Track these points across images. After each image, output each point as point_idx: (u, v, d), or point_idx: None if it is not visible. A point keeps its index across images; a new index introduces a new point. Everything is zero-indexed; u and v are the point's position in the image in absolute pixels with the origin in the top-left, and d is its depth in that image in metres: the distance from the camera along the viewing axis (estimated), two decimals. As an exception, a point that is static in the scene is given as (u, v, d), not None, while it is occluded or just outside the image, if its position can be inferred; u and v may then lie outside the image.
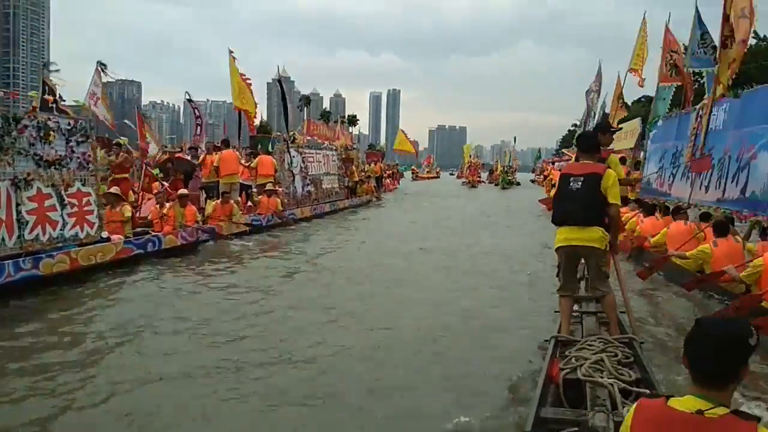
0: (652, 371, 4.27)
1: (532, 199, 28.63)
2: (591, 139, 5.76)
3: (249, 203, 16.16)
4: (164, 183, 14.55)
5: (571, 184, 5.23)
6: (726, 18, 9.53)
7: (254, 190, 16.81)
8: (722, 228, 8.27)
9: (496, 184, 53.78)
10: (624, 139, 20.13)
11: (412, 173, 77.90)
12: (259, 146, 19.54)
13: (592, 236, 5.14)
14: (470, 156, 64.82)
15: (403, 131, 44.13)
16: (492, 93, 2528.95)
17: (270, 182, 16.70)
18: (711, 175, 10.55)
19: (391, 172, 46.43)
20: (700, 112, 11.29)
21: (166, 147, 22.85)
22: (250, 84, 18.44)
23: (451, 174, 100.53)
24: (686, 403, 2.00)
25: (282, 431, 4.52)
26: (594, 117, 27.09)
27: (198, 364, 5.50)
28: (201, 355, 5.82)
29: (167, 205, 12.70)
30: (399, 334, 6.73)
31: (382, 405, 4.84)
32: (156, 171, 15.27)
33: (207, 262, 10.97)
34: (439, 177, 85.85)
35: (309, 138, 20.71)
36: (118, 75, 17.63)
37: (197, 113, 22.14)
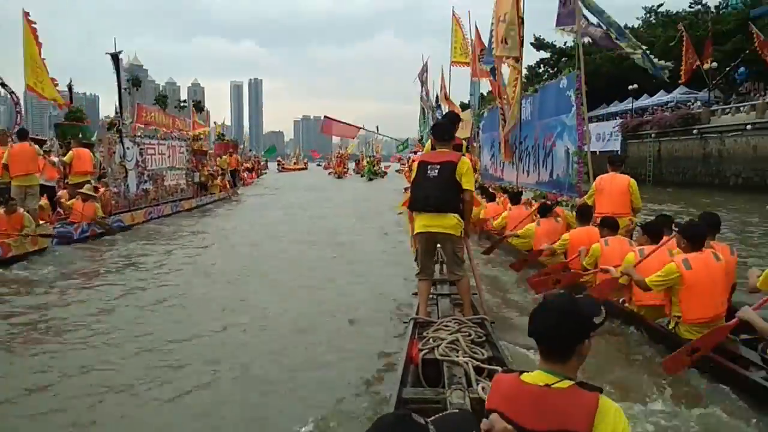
0: (503, 349, 4.43)
1: (398, 190, 26.16)
2: (446, 128, 5.83)
3: (59, 209, 12.48)
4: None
5: (428, 172, 5.37)
6: (521, 21, 11.32)
7: (61, 192, 13.12)
8: (544, 209, 9.50)
9: (361, 175, 51.78)
10: (462, 129, 20.66)
11: (278, 164, 76.64)
12: (70, 137, 15.32)
13: (449, 223, 5.37)
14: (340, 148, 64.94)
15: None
16: (355, 83, 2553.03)
17: (88, 181, 13.13)
18: (528, 161, 12.16)
19: (250, 164, 42.90)
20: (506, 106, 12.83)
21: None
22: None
23: (319, 165, 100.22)
24: (536, 377, 2.15)
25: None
26: (434, 110, 28.01)
27: None
28: None
29: None
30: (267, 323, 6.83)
31: (247, 393, 4.81)
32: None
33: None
34: (306, 168, 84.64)
35: (140, 126, 17.05)
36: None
37: (15, 99, 18.35)
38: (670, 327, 5.36)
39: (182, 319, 7.04)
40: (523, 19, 11.70)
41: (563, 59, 61.05)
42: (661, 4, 58.61)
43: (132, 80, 20.87)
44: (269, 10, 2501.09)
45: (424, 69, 29.42)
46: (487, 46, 14.75)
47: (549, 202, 9.95)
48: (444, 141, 5.64)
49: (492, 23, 11.94)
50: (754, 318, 4.40)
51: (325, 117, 10.37)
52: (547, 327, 2.14)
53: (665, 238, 5.97)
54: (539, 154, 11.43)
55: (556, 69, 63.62)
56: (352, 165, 67.40)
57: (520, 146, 12.73)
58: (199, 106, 23.61)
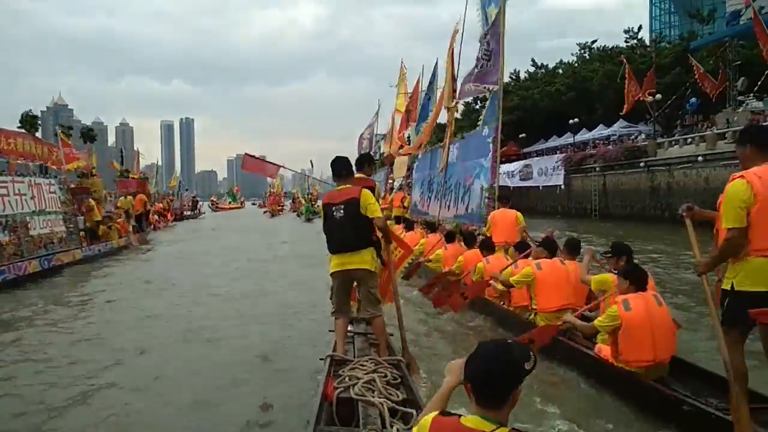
0: (418, 391, 4.31)
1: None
2: (345, 163, 5.69)
3: None
4: None
5: (335, 213, 5.37)
6: (454, 77, 14.03)
7: None
8: (450, 236, 10.66)
9: (298, 215, 47.58)
10: (398, 169, 22.80)
11: (211, 203, 75.27)
12: None
13: (363, 259, 5.38)
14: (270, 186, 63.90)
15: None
16: (289, 122, 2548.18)
17: None
18: (450, 197, 13.81)
19: (163, 205, 37.59)
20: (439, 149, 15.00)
21: None
22: None
23: (253, 204, 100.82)
24: (475, 422, 2.10)
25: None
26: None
27: None
28: None
29: None
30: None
31: None
32: None
33: None
34: (243, 207, 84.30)
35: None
36: None
37: None
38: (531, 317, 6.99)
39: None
40: (455, 75, 14.07)
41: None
42: (595, 40, 58.01)
43: None
44: (200, 51, 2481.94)
45: (376, 115, 31.22)
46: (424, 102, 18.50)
47: (454, 231, 11.34)
48: (341, 177, 5.60)
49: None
50: (573, 321, 5.84)
51: (245, 154, 9.49)
52: (482, 375, 2.12)
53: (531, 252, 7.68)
54: (460, 191, 13.19)
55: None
56: (288, 202, 66.43)
57: (445, 184, 14.39)
58: (89, 135, 18.13)
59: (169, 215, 37.46)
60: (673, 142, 32.93)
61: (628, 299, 5.04)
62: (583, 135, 47.09)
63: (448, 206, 13.81)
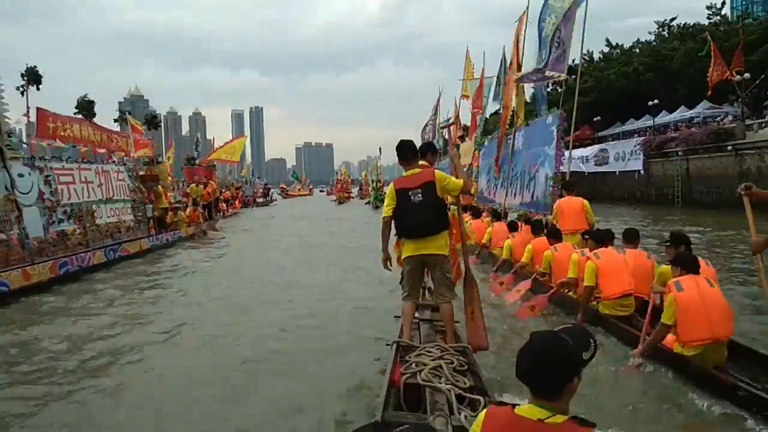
0: (485, 378, 4.25)
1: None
2: (411, 146, 5.61)
3: None
4: None
5: (412, 197, 5.28)
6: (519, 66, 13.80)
7: None
8: (512, 225, 10.85)
9: (367, 202, 46.92)
10: (464, 155, 22.01)
11: (281, 190, 75.55)
12: None
13: (439, 244, 5.36)
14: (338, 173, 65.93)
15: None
16: (356, 110, 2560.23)
17: None
18: (517, 185, 13.74)
19: (230, 193, 37.26)
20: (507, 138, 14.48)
21: None
22: None
23: (321, 191, 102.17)
24: (529, 411, 2.05)
25: None
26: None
27: None
28: None
29: None
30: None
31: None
32: None
33: None
34: (311, 194, 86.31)
35: (45, 142, 12.28)
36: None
37: None
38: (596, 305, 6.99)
39: None
40: (520, 63, 13.63)
41: (571, 77, 57.25)
42: (674, 18, 54.69)
43: (29, 74, 15.04)
44: (268, 41, 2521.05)
45: (437, 102, 30.21)
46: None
47: (519, 221, 11.23)
48: (408, 161, 5.52)
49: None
50: (642, 351, 5.56)
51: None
52: (532, 371, 2.04)
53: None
54: (525, 179, 13.04)
55: (564, 87, 60.54)
56: (356, 190, 66.83)
57: (511, 172, 14.17)
58: (153, 121, 17.43)
59: (236, 203, 37.12)
60: (764, 124, 30.71)
61: (679, 281, 5.23)
62: (663, 117, 44.38)
63: (515, 194, 13.82)
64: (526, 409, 2.07)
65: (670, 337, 5.37)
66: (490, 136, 17.67)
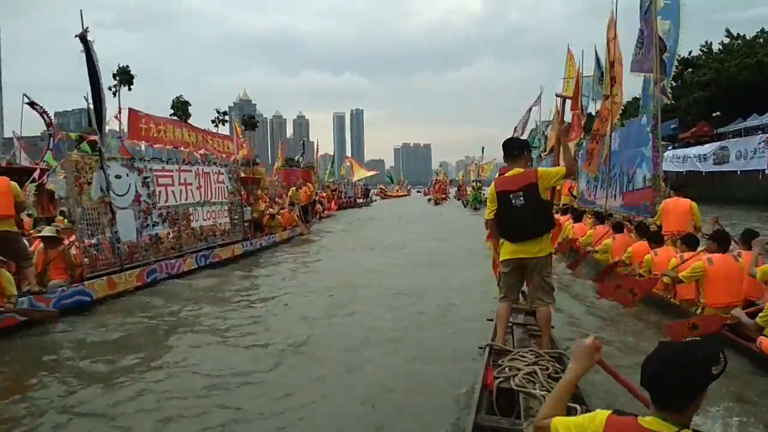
0: (581, 387, 3.82)
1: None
2: (520, 144, 5.53)
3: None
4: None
5: (513, 200, 5.14)
6: (611, 64, 12.60)
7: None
8: (617, 226, 10.63)
9: (463, 203, 45.45)
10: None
11: (380, 192, 75.92)
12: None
13: (541, 247, 5.22)
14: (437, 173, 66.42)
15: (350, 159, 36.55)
16: (455, 109, 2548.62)
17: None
18: (616, 186, 13.57)
19: (327, 193, 36.69)
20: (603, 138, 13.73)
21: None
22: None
23: (418, 191, 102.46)
24: (654, 423, 1.99)
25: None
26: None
27: None
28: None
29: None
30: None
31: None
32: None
33: None
34: (409, 194, 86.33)
35: (142, 143, 11.98)
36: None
37: (47, 120, 17.69)
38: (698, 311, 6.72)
39: None
40: (612, 62, 12.65)
41: (688, 70, 53.51)
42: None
43: (121, 75, 14.87)
44: (369, 43, 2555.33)
45: (538, 100, 28.53)
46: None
47: (626, 222, 11.53)
48: (514, 157, 5.34)
49: (615, 65, 12.87)
50: (740, 315, 5.84)
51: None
52: (658, 381, 1.98)
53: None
54: (623, 180, 12.90)
55: (680, 81, 56.68)
56: (453, 191, 66.65)
57: (610, 173, 13.81)
58: (251, 122, 17.18)
59: (332, 204, 36.56)
60: None
61: (712, 257, 5.98)
62: (794, 112, 40.51)
63: (614, 196, 13.69)
64: (651, 421, 2.00)
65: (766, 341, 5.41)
66: (588, 137, 16.72)
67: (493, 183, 5.52)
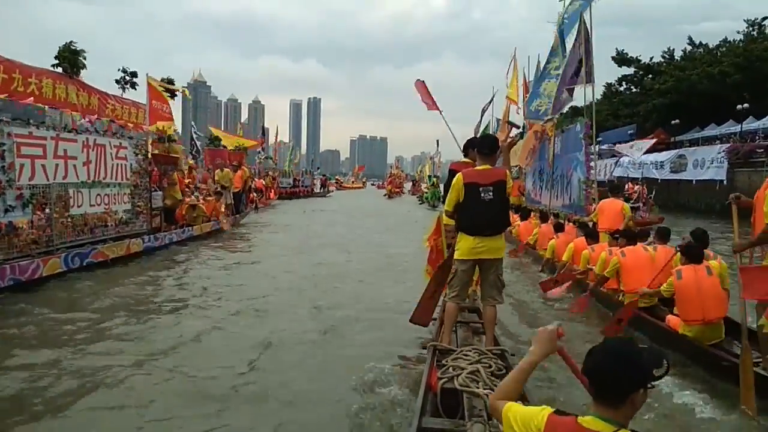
0: (527, 389, 3.68)
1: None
2: (494, 142, 5.39)
3: None
4: None
5: (482, 194, 5.05)
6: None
7: None
8: (557, 226, 11.21)
9: (419, 199, 42.77)
10: (514, 155, 21.97)
11: (337, 182, 75.54)
12: None
13: (499, 245, 5.20)
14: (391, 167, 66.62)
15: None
16: (414, 104, 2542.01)
17: None
18: (558, 188, 14.26)
19: (266, 181, 32.60)
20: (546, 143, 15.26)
21: None
22: None
23: (373, 184, 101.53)
24: (591, 423, 1.99)
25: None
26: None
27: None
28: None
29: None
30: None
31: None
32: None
33: None
34: (364, 187, 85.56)
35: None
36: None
37: None
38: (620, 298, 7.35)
39: None
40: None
41: (648, 76, 52.30)
42: (767, 17, 48.74)
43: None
44: (333, 32, 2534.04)
45: (491, 101, 28.56)
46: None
47: (563, 221, 12.32)
48: (486, 155, 5.23)
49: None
50: (646, 291, 6.57)
51: (418, 80, 8.36)
52: (601, 369, 1.99)
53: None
54: (563, 182, 13.76)
55: (639, 87, 55.50)
56: (408, 185, 66.67)
57: (553, 175, 14.74)
58: (168, 89, 13.47)
59: (271, 193, 32.55)
60: None
61: (681, 270, 5.96)
62: (751, 123, 39.39)
63: (557, 196, 14.41)
64: (590, 420, 1.99)
65: (675, 320, 6.06)
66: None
67: (460, 174, 5.23)
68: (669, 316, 6.17)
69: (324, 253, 13.28)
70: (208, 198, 16.64)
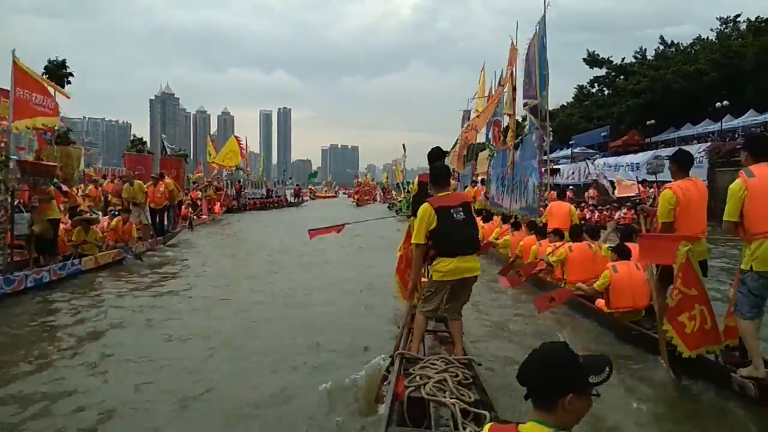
0: (490, 392, 4.02)
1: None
2: (447, 171, 5.49)
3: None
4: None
5: (454, 215, 5.02)
6: (514, 88, 15.58)
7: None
8: (515, 224, 12.49)
9: (392, 208, 39.03)
10: (481, 164, 23.37)
11: (310, 192, 74.77)
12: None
13: (478, 264, 5.15)
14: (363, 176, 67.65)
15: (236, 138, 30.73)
16: (384, 113, 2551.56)
17: None
18: (517, 192, 14.98)
19: (206, 194, 27.39)
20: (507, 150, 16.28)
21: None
22: None
23: (344, 193, 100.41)
24: (531, 428, 1.93)
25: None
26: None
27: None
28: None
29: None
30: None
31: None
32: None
33: None
34: (337, 196, 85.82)
35: None
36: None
37: None
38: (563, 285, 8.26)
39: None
40: (515, 86, 15.44)
41: (620, 77, 50.01)
42: (738, 15, 46.99)
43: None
44: (301, 43, 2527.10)
45: (467, 115, 27.97)
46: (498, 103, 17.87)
47: (517, 219, 13.26)
48: (442, 185, 5.28)
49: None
50: (582, 287, 7.84)
51: (309, 231, 7.78)
52: (528, 370, 1.96)
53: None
54: (521, 187, 14.57)
55: (611, 89, 53.22)
56: (379, 193, 66.56)
57: (513, 181, 15.50)
58: (60, 71, 9.82)
59: (217, 207, 27.70)
60: None
61: (616, 265, 6.92)
62: (729, 122, 37.13)
63: (516, 200, 15.09)
64: (530, 426, 1.93)
65: (600, 302, 7.21)
66: (496, 149, 19.21)
67: (426, 204, 5.05)
68: (598, 300, 7.28)
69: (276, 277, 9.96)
70: (117, 218, 12.77)
